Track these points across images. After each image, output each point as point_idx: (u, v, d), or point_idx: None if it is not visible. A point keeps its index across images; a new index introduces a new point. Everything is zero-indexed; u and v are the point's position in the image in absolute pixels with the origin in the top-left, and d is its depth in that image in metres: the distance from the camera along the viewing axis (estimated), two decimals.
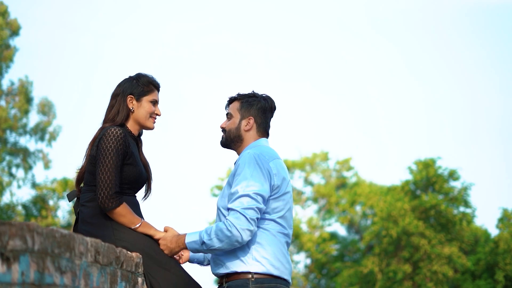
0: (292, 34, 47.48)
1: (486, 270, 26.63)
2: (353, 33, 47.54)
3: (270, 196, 3.71)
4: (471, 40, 46.52)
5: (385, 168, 47.13)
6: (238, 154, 3.92)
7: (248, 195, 3.61)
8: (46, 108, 27.57)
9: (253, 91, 3.97)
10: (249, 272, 3.66)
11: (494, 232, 29.22)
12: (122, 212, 3.72)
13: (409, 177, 28.02)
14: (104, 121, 3.91)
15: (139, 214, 3.87)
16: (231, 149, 3.96)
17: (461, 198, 26.94)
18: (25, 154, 27.26)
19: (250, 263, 3.67)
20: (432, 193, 27.04)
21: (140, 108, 3.92)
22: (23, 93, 26.76)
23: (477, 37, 46.42)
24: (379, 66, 47.90)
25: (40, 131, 27.52)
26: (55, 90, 45.09)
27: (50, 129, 27.71)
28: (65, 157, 38.87)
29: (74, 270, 2.84)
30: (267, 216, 3.72)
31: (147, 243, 3.77)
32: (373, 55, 47.27)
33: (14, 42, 26.73)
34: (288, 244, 3.82)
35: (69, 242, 2.79)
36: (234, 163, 3.85)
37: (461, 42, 46.39)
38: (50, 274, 2.63)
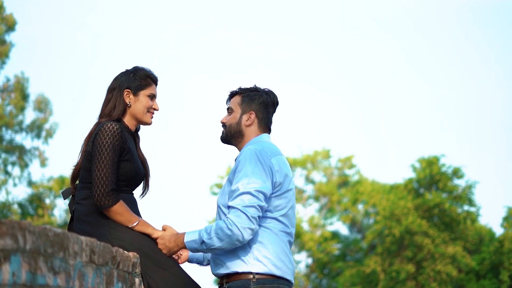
0: (293, 31, 47.69)
1: (491, 270, 26.56)
2: (354, 31, 47.61)
3: (272, 193, 3.64)
4: (474, 37, 46.63)
5: (388, 166, 47.06)
6: (239, 150, 3.86)
7: (249, 193, 3.55)
8: (43, 105, 27.44)
9: (255, 85, 3.91)
10: (251, 272, 3.60)
11: (499, 231, 29.34)
12: (119, 210, 3.65)
13: (412, 175, 27.97)
14: (100, 116, 3.85)
15: (137, 212, 3.80)
16: (231, 144, 3.90)
17: (465, 197, 26.86)
18: (21, 151, 27.13)
19: (252, 263, 3.60)
20: (435, 191, 27.00)
21: (137, 103, 3.86)
22: (19, 90, 26.64)
23: (480, 34, 46.50)
24: (381, 63, 48.08)
25: (36, 128, 27.38)
26: (52, 87, 45.04)
27: (47, 126, 27.58)
28: (62, 155, 38.78)
29: (68, 271, 2.80)
30: (269, 214, 3.65)
31: (145, 242, 3.70)
32: (375, 52, 47.40)
33: (10, 37, 26.60)
34: (290, 243, 3.75)
35: (62, 241, 2.75)
36: (235, 160, 3.78)
37: (465, 39, 46.55)
38: (42, 274, 2.59)
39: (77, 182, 3.83)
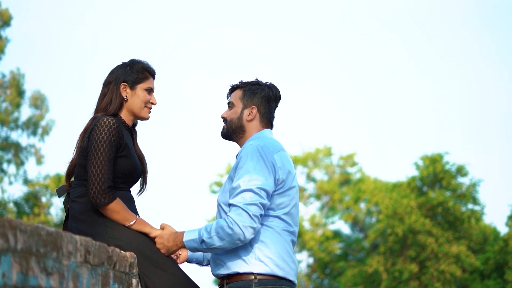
0: (294, 31, 47.77)
1: (495, 270, 26.54)
2: (355, 29, 47.57)
3: (275, 191, 3.57)
4: (478, 35, 46.65)
5: (391, 163, 47.06)
6: (240, 146, 3.79)
7: (251, 190, 3.48)
8: (39, 102, 27.44)
9: (256, 79, 3.84)
10: (252, 273, 3.53)
11: (503, 230, 29.48)
12: (116, 208, 3.59)
13: (415, 173, 27.94)
14: (96, 111, 3.78)
15: (134, 211, 3.74)
16: (232, 140, 3.82)
17: (470, 195, 26.84)
18: (16, 149, 27.14)
19: (253, 263, 3.54)
20: (439, 189, 26.98)
21: (134, 97, 3.79)
22: (15, 86, 26.69)
23: (484, 32, 46.55)
24: (384, 61, 48.18)
25: (32, 125, 27.37)
26: (48, 83, 45.01)
27: (43, 123, 27.57)
28: (58, 153, 38.71)
29: (62, 271, 2.75)
30: (271, 212, 3.58)
31: (143, 241, 3.64)
32: (377, 50, 47.47)
33: (6, 33, 26.62)
34: (293, 243, 3.69)
35: (56, 241, 2.70)
36: (236, 156, 3.73)
37: (468, 37, 46.61)
38: (34, 275, 2.54)
39: (72, 179, 3.76)
